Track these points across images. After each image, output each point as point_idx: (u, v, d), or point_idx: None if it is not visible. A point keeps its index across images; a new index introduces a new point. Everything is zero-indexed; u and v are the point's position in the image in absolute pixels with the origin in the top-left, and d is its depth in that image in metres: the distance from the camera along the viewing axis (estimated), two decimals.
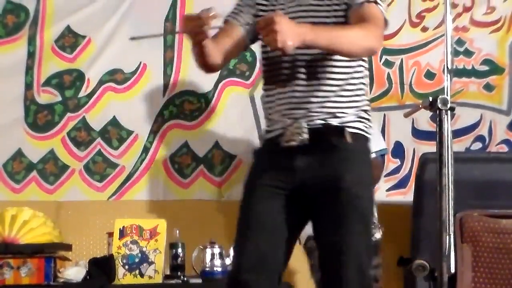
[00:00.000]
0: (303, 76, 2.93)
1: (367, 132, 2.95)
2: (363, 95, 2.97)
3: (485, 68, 4.95)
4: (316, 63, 2.91)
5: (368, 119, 2.97)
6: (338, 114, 2.91)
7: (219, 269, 4.33)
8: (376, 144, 3.77)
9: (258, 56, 4.86)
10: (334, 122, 2.90)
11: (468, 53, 4.93)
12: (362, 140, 2.94)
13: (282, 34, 2.62)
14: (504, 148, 4.88)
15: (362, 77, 2.97)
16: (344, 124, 2.90)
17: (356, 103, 2.94)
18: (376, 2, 2.87)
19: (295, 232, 2.97)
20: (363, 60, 2.99)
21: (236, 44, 3.03)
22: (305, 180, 2.89)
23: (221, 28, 3.04)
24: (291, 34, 2.65)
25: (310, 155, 2.90)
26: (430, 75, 4.92)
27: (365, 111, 2.97)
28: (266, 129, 3.04)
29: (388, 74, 4.83)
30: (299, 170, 2.90)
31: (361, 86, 2.97)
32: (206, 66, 2.97)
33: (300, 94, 2.94)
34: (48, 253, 4.11)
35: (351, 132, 2.90)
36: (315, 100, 2.91)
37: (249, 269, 2.86)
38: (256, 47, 4.83)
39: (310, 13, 2.94)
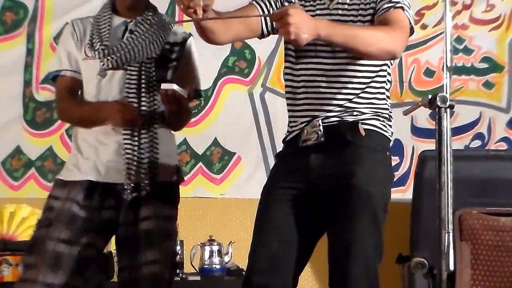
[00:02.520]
0: (325, 79, 2.94)
1: (384, 130, 2.95)
2: (384, 99, 2.97)
3: (484, 65, 4.95)
4: (339, 67, 2.91)
5: (387, 119, 2.97)
6: (354, 113, 2.91)
7: (218, 266, 4.34)
8: None
9: (257, 54, 4.89)
10: (350, 118, 2.91)
11: (467, 51, 4.93)
12: (377, 137, 2.93)
13: (296, 26, 2.61)
14: (504, 146, 4.88)
15: (384, 81, 2.97)
16: (359, 120, 2.90)
17: (375, 104, 2.94)
18: (403, 8, 2.87)
19: (312, 234, 2.96)
20: (387, 65, 2.99)
21: (248, 29, 2.98)
22: (319, 177, 2.90)
23: (241, 8, 3.01)
24: (305, 27, 2.63)
25: (325, 152, 2.90)
26: (429, 72, 4.92)
27: (385, 111, 2.96)
28: (287, 131, 3.05)
29: None
30: (314, 168, 2.91)
31: (382, 90, 2.97)
32: (207, 40, 2.93)
33: (321, 96, 2.94)
34: None
35: (366, 128, 2.90)
36: (335, 102, 2.92)
37: (262, 273, 2.87)
38: (255, 46, 4.86)
39: (337, 17, 2.94)
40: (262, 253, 2.89)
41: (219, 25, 2.85)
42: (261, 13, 2.98)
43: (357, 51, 2.79)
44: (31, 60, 4.78)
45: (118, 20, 3.28)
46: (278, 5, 3.01)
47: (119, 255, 3.25)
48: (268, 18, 2.99)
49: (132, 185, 3.17)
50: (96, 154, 3.22)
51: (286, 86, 3.04)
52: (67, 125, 4.76)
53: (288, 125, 3.04)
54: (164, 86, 3.07)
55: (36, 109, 4.76)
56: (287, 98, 3.04)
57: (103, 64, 3.21)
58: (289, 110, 3.04)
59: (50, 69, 4.72)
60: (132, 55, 3.21)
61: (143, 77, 3.21)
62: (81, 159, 3.25)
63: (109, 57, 3.19)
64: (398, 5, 2.86)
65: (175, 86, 3.06)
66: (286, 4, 2.99)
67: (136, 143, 3.20)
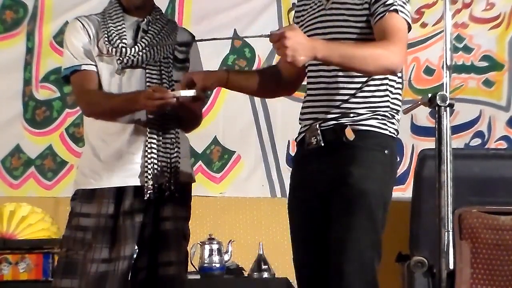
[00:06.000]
0: (325, 80, 2.96)
1: (383, 129, 2.95)
2: (385, 95, 2.96)
3: (484, 64, 4.94)
4: (337, 68, 2.92)
5: (387, 117, 2.96)
6: (351, 114, 2.92)
7: (218, 265, 4.33)
8: None
9: (257, 52, 4.89)
10: (346, 121, 2.92)
11: (467, 49, 4.93)
12: (374, 137, 2.94)
13: (293, 49, 2.66)
14: (503, 145, 4.88)
15: (383, 79, 2.97)
16: (355, 122, 2.91)
17: (374, 103, 2.94)
18: (397, 11, 2.87)
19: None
20: None
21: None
22: (321, 181, 2.93)
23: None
24: (302, 49, 2.68)
25: (324, 156, 2.94)
26: (429, 71, 4.92)
27: (384, 109, 2.96)
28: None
29: None
30: (317, 172, 2.94)
31: (382, 87, 2.96)
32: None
33: (320, 98, 2.98)
34: (46, 249, 4.11)
35: (363, 129, 2.91)
36: (333, 104, 2.94)
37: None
38: (254, 44, 4.86)
39: (331, 17, 2.96)
40: (300, 264, 3.04)
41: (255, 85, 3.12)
42: None
43: (355, 70, 2.84)
44: (30, 58, 4.78)
45: (129, 19, 3.27)
46: None
47: (138, 254, 3.23)
48: None
49: (156, 185, 3.16)
50: (119, 157, 3.19)
51: None
52: (67, 123, 4.76)
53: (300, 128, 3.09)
54: (184, 93, 3.05)
55: (36, 108, 4.77)
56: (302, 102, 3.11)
57: (121, 62, 3.20)
58: (300, 114, 3.09)
59: (51, 67, 4.75)
60: (151, 54, 3.21)
61: (163, 76, 3.22)
62: (100, 163, 3.21)
63: (130, 55, 3.19)
64: (392, 8, 2.86)
65: (191, 92, 3.06)
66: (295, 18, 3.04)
67: (161, 143, 3.19)
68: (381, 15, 2.86)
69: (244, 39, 4.84)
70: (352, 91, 2.93)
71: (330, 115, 2.93)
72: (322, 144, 2.93)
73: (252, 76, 3.20)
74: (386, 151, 2.96)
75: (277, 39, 2.67)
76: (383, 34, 2.84)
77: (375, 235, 2.87)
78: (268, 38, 2.72)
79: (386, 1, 2.87)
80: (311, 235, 2.94)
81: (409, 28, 2.93)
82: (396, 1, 2.87)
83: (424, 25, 4.91)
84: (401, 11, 2.87)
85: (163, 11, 3.31)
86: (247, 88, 3.21)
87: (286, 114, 4.73)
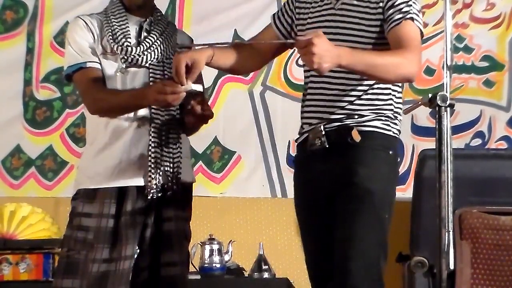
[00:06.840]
0: (329, 80, 2.97)
1: (386, 130, 2.96)
2: (389, 99, 2.98)
3: (484, 64, 4.94)
4: (344, 70, 2.92)
5: (390, 118, 2.97)
6: (355, 116, 2.93)
7: (218, 265, 4.33)
8: None
9: None
10: (350, 122, 2.92)
11: (467, 50, 4.93)
12: (378, 137, 2.95)
13: (319, 56, 2.66)
14: (504, 145, 4.88)
15: None
16: (359, 123, 2.92)
17: (377, 105, 2.95)
18: (412, 19, 2.89)
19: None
20: None
21: (268, 50, 3.17)
22: (326, 181, 2.94)
23: (261, 32, 3.23)
24: (328, 57, 2.68)
25: (329, 157, 2.94)
26: (429, 71, 4.92)
27: (388, 111, 2.97)
28: (298, 132, 3.09)
29: None
30: (321, 173, 2.95)
31: (386, 90, 2.98)
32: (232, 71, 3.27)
33: (325, 98, 2.98)
34: (47, 249, 4.11)
35: (367, 130, 2.92)
36: (337, 105, 2.95)
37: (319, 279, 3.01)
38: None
39: (341, 17, 2.97)
40: (312, 264, 3.03)
41: (232, 63, 3.11)
42: (279, 34, 3.10)
43: (376, 78, 2.86)
44: (31, 59, 4.78)
45: (132, 18, 3.26)
46: (289, 22, 3.11)
47: (139, 255, 3.21)
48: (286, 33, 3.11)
49: (159, 185, 3.16)
50: (121, 157, 3.17)
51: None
52: (68, 124, 4.76)
53: (300, 129, 3.08)
54: (194, 87, 3.03)
55: (36, 108, 4.77)
56: (302, 101, 3.11)
57: (125, 61, 3.18)
58: (301, 113, 3.08)
59: (51, 67, 4.75)
60: (155, 54, 3.20)
61: (166, 76, 3.20)
62: (102, 163, 3.18)
63: (134, 54, 3.18)
64: (408, 15, 2.88)
65: (199, 87, 3.05)
66: (298, 22, 3.05)
67: (164, 143, 3.18)
68: (397, 22, 2.87)
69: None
70: (358, 93, 2.93)
71: (334, 116, 2.94)
72: (327, 146, 2.93)
73: (231, 55, 3.15)
74: (390, 152, 2.97)
75: (304, 46, 2.68)
76: (399, 42, 2.85)
77: (381, 234, 2.88)
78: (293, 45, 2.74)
79: (402, 8, 2.88)
80: (321, 235, 2.95)
81: (422, 36, 2.94)
82: (412, 9, 2.89)
83: (424, 25, 4.88)
84: (416, 19, 2.89)
85: (164, 12, 3.32)
86: (225, 68, 3.21)
87: (286, 114, 4.73)
